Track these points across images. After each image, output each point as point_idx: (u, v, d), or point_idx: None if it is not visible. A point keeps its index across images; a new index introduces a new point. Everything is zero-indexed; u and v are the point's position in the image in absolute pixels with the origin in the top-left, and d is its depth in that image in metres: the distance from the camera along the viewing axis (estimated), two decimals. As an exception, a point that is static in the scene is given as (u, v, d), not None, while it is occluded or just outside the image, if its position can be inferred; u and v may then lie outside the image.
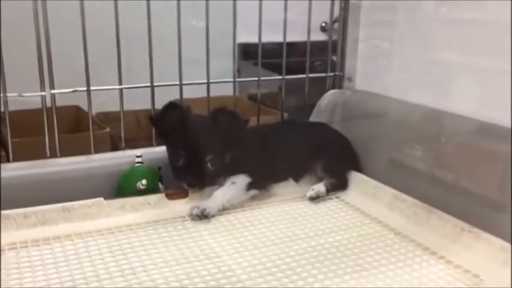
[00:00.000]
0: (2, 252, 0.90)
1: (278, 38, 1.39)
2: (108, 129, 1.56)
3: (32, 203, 1.02)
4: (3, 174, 1.08)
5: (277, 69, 1.50)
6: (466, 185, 1.05)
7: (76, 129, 1.71)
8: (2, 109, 1.11)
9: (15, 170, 1.10)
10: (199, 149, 1.07)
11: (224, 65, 1.43)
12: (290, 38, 1.38)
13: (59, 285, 0.81)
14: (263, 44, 1.37)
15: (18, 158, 1.14)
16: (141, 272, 0.85)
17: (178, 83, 1.28)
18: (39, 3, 1.08)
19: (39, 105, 1.16)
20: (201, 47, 1.30)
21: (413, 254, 0.93)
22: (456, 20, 1.16)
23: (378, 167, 1.25)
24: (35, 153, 1.15)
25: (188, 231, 1.00)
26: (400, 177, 1.19)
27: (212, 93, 1.33)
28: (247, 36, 1.46)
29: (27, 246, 0.92)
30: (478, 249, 0.91)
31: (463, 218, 0.97)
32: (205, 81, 1.31)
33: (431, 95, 1.22)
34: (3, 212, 0.97)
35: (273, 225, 1.04)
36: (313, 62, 1.49)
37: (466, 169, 1.06)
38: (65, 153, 1.17)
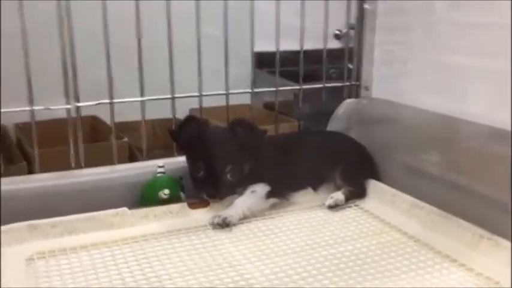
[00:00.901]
0: (31, 261, 0.93)
1: (291, 46, 1.41)
2: (126, 139, 1.59)
3: (59, 213, 1.05)
4: (31, 185, 1.12)
5: (291, 77, 1.52)
6: (483, 190, 1.05)
7: (93, 139, 1.74)
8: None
9: (42, 181, 1.14)
10: (219, 161, 1.10)
11: (238, 73, 1.45)
12: (304, 46, 1.40)
13: (88, 293, 0.84)
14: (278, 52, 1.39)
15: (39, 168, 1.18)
16: (166, 280, 0.87)
17: (198, 94, 1.30)
18: (64, 13, 1.11)
19: (57, 116, 1.18)
20: (215, 56, 1.32)
21: (433, 262, 0.94)
22: (472, 24, 1.17)
23: (395, 174, 1.26)
24: (56, 163, 1.17)
25: (210, 240, 1.02)
26: (418, 184, 1.20)
27: (223, 102, 1.36)
28: (262, 44, 1.48)
29: (55, 255, 0.95)
30: (497, 256, 0.91)
31: (480, 224, 0.98)
32: (223, 91, 1.34)
33: (449, 101, 1.23)
34: (31, 222, 1.00)
35: (293, 233, 1.06)
36: (328, 69, 1.51)
37: (483, 174, 1.07)
38: (84, 163, 1.19)
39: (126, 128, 1.57)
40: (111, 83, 1.18)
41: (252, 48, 1.38)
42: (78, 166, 1.18)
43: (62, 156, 1.19)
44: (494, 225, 0.97)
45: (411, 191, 1.15)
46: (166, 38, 1.23)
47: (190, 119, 1.16)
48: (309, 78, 1.49)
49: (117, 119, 1.23)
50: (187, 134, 1.13)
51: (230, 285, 0.86)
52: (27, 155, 1.52)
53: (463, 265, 0.92)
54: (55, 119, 1.25)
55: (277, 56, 1.38)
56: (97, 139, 1.74)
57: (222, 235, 1.04)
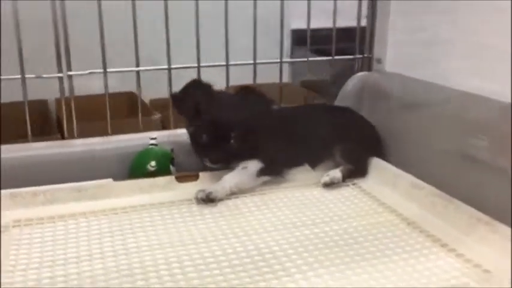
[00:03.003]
0: (6, 229, 0.92)
1: (331, 23, 1.35)
2: (159, 115, 1.57)
3: (50, 183, 1.03)
4: (24, 154, 1.11)
5: (329, 55, 1.45)
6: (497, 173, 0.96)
7: (130, 115, 1.74)
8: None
9: (34, 150, 1.13)
10: (225, 125, 1.04)
11: (276, 52, 1.37)
12: (342, 23, 1.34)
13: (50, 263, 0.82)
14: (315, 30, 1.34)
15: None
16: (134, 253, 0.84)
17: (224, 63, 1.27)
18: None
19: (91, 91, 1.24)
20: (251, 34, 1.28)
21: (421, 246, 0.86)
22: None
23: (404, 154, 1.18)
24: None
25: (192, 214, 0.98)
26: (430, 167, 1.11)
27: (262, 80, 1.32)
28: (301, 22, 1.42)
29: (31, 224, 0.94)
30: (493, 243, 0.83)
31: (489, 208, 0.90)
32: (252, 61, 1.29)
33: (473, 78, 1.13)
34: (12, 190, 0.99)
35: (280, 210, 1.00)
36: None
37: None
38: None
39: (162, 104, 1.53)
40: (104, 52, 1.16)
41: (282, 19, 1.32)
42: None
43: (99, 130, 1.21)
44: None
45: (421, 173, 1.06)
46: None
47: (196, 82, 1.11)
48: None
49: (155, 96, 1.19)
50: (192, 97, 1.07)
51: (197, 262, 0.82)
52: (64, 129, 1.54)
53: (453, 250, 0.84)
54: (94, 95, 1.28)
55: (308, 31, 1.33)
56: (134, 115, 1.74)
57: (206, 210, 1.00)
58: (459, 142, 1.06)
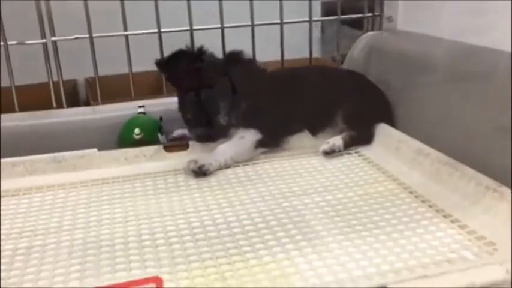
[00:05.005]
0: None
1: None
2: None
3: (39, 153, 0.99)
4: (9, 124, 1.07)
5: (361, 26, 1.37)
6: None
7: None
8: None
9: (20, 120, 1.09)
10: (211, 99, 0.97)
11: (306, 31, 1.31)
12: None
13: (16, 235, 0.77)
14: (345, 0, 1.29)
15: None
16: (93, 227, 0.78)
17: (250, 23, 1.22)
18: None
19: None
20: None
21: (422, 216, 0.77)
22: None
23: (419, 121, 1.07)
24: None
25: (177, 185, 0.92)
26: (444, 136, 1.00)
27: (291, 56, 1.27)
28: None
29: (7, 196, 0.89)
30: (500, 212, 0.73)
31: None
32: (278, 21, 1.24)
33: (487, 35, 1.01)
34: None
35: (272, 181, 0.92)
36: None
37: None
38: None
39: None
40: (89, 16, 1.09)
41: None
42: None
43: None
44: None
45: (432, 140, 0.96)
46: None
47: (181, 53, 1.00)
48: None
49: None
50: (178, 69, 0.99)
51: (170, 234, 0.76)
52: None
53: (456, 221, 0.75)
54: (121, 74, 1.22)
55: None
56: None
57: (192, 181, 0.94)
58: (491, 110, 0.94)
